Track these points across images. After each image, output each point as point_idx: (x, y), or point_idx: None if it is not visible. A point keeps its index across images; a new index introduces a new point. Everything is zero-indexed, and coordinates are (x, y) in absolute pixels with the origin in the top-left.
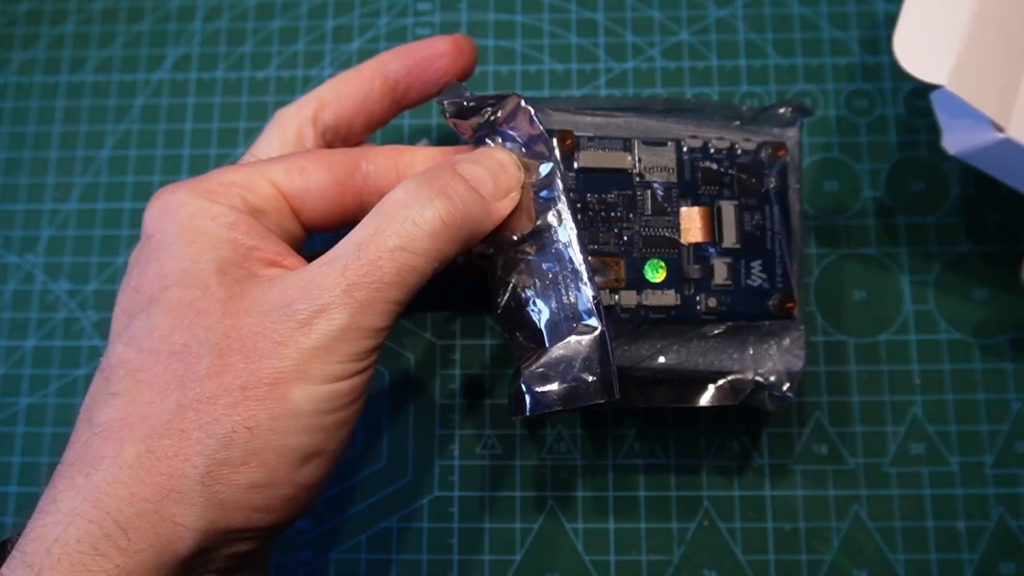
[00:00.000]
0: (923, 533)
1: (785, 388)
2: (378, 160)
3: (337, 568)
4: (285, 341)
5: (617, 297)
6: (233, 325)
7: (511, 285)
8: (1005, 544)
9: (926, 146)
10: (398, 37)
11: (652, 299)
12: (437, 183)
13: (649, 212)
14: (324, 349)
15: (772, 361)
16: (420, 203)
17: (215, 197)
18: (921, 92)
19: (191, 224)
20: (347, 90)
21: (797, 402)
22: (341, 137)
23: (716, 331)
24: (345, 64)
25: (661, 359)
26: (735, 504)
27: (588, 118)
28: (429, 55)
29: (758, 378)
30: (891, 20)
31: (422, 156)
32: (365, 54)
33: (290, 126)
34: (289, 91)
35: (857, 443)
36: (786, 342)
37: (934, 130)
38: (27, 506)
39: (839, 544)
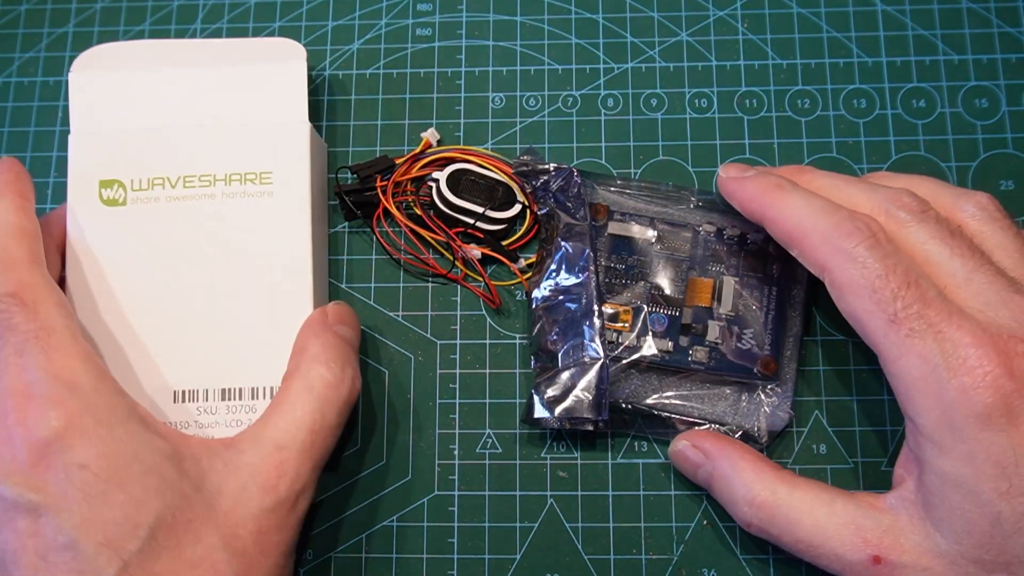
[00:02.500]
0: None
1: (764, 441)
2: None
3: (337, 568)
4: (283, 526)
5: (621, 338)
6: (241, 527)
7: (542, 317)
8: None
9: (925, 146)
10: (398, 37)
11: (650, 343)
12: (343, 361)
13: (660, 276)
14: (300, 519)
15: (758, 416)
16: (343, 383)
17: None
18: (919, 93)
19: (116, 466)
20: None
21: (797, 401)
22: None
23: (708, 381)
24: (346, 64)
25: (658, 399)
26: None
27: (631, 202)
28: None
29: (741, 429)
30: (891, 20)
31: None
32: (365, 54)
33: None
34: None
35: (856, 443)
36: (774, 400)
37: (932, 130)
38: None
39: None
